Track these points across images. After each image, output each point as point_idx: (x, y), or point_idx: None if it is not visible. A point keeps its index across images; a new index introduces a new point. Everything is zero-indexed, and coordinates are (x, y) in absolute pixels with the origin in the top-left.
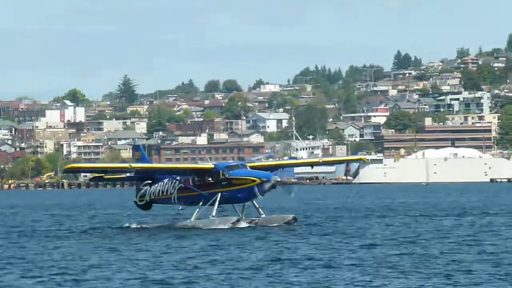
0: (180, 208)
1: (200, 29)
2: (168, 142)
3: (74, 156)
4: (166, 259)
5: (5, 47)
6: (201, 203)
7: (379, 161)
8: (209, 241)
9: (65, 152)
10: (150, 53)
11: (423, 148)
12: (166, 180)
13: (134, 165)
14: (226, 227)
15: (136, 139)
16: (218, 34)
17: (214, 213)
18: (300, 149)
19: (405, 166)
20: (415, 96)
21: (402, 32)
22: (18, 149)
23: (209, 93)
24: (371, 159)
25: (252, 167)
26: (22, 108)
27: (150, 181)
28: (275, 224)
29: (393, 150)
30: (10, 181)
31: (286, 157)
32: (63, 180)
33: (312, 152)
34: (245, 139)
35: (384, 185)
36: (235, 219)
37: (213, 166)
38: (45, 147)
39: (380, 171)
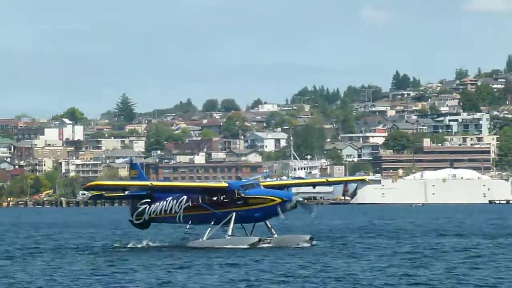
0: (187, 227)
1: (199, 49)
2: (166, 161)
3: (72, 174)
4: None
5: (4, 66)
6: (212, 222)
7: (377, 181)
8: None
9: (63, 170)
10: (149, 72)
11: (422, 169)
12: (169, 199)
13: (155, 183)
14: (245, 247)
15: (134, 157)
16: (217, 54)
17: (230, 233)
18: (298, 169)
19: (403, 186)
20: (414, 117)
21: (400, 53)
22: (17, 167)
23: (207, 112)
24: (368, 180)
25: (265, 187)
26: (21, 126)
27: (148, 200)
28: (289, 245)
29: (391, 171)
30: (9, 199)
31: (284, 177)
32: (62, 198)
33: (310, 172)
34: (243, 158)
35: (383, 205)
36: (256, 239)
37: (227, 185)
38: (44, 165)
39: (378, 192)
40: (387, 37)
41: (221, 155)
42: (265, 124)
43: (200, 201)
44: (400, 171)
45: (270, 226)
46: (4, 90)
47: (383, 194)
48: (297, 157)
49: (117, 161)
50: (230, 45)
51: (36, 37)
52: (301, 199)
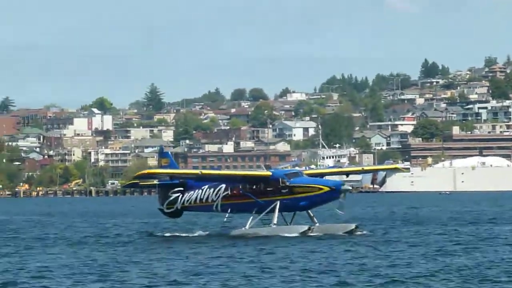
0: (226, 216)
1: (228, 39)
2: (194, 150)
3: (101, 163)
4: None
5: (34, 56)
6: (254, 211)
7: (406, 169)
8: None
9: (92, 160)
10: (177, 61)
11: (451, 157)
12: (205, 188)
13: (204, 171)
14: (295, 235)
15: (164, 146)
16: (245, 44)
17: (275, 221)
18: (327, 158)
19: (432, 175)
20: (443, 105)
21: (429, 41)
22: (46, 156)
23: (236, 102)
24: (402, 168)
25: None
26: (50, 116)
27: (181, 188)
28: (334, 233)
29: (420, 159)
30: (38, 189)
31: (313, 166)
32: (91, 188)
33: (339, 161)
34: (271, 147)
35: (412, 194)
36: (306, 227)
37: (270, 173)
38: (73, 154)
39: (407, 180)
40: (416, 25)
41: (250, 144)
42: (293, 113)
43: (241, 189)
44: (429, 159)
45: (312, 215)
46: (34, 81)
47: (412, 182)
48: (325, 146)
49: (146, 150)
50: (259, 34)
51: (64, 30)
52: (350, 188)
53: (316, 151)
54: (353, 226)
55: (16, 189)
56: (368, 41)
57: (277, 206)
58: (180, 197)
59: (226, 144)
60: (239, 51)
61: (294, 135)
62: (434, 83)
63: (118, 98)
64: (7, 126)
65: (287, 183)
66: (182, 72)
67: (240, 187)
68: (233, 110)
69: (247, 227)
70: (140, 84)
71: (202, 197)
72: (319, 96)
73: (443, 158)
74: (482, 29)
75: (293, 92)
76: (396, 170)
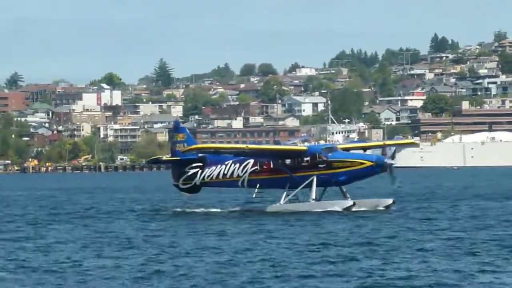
0: (255, 191)
1: (236, 14)
2: (204, 125)
3: (110, 139)
4: None
5: (43, 32)
6: (287, 186)
7: (416, 145)
8: None
9: (101, 135)
10: (186, 37)
11: (460, 132)
12: (229, 163)
13: (250, 146)
14: (338, 209)
15: (173, 121)
16: (254, 18)
17: (313, 196)
18: (336, 133)
19: (441, 150)
20: (452, 80)
21: (439, 16)
22: (55, 132)
23: (245, 77)
24: (418, 142)
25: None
26: (59, 92)
27: (200, 164)
28: (369, 209)
29: (429, 134)
30: (47, 164)
31: (322, 141)
32: (100, 163)
33: (348, 136)
34: (280, 122)
35: (421, 169)
36: (351, 203)
37: (306, 148)
38: (82, 130)
39: (417, 155)
40: (426, 0)
41: (259, 119)
42: (302, 88)
43: (272, 165)
44: (439, 134)
45: (345, 191)
46: (42, 56)
47: (421, 157)
48: (334, 121)
49: (155, 126)
50: (268, 9)
51: (74, 4)
52: (393, 162)
53: (325, 126)
54: (390, 201)
55: (25, 165)
56: (378, 16)
57: (314, 181)
58: (199, 172)
59: (235, 119)
60: (248, 26)
61: (303, 110)
62: (444, 58)
63: (127, 74)
64: (16, 102)
65: (325, 158)
66: (191, 48)
67: (271, 162)
68: (242, 86)
69: (281, 202)
70: (149, 59)
71: (226, 172)
72: (328, 71)
73: (452, 133)
74: (491, 3)
75: (303, 67)
76: (413, 145)
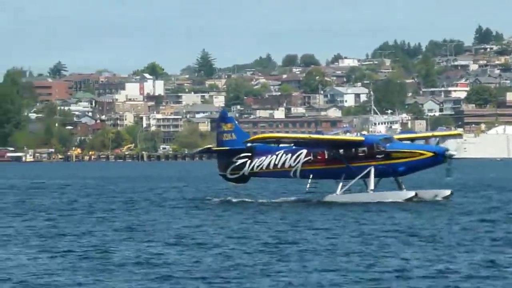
0: (309, 182)
1: (280, 6)
2: (245, 115)
3: (153, 128)
4: None
5: (86, 21)
6: (343, 177)
7: (458, 136)
8: None
9: (144, 125)
10: (229, 27)
11: (504, 123)
12: (281, 153)
13: (313, 136)
14: (400, 201)
15: (220, 111)
16: (297, 10)
17: (372, 187)
18: (379, 124)
19: (485, 141)
20: (496, 71)
21: (483, 7)
22: (98, 121)
23: (287, 68)
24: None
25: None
26: (102, 81)
27: (248, 154)
28: (430, 199)
29: (473, 125)
30: (90, 153)
31: (364, 132)
32: (143, 152)
33: (391, 127)
34: (322, 113)
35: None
36: (412, 193)
37: (363, 138)
38: (125, 119)
39: (460, 147)
40: None
41: (301, 110)
42: (345, 79)
43: (326, 155)
44: (482, 126)
45: (400, 181)
46: (86, 46)
47: (465, 148)
48: (377, 112)
49: (197, 115)
50: (312, 0)
51: None
52: (454, 153)
53: (368, 117)
54: (448, 192)
55: (68, 153)
56: (422, 7)
57: (372, 172)
58: (248, 162)
59: (277, 110)
60: (291, 17)
61: (346, 101)
62: (488, 49)
63: (170, 64)
64: (59, 91)
65: (384, 149)
66: (234, 38)
67: (326, 152)
68: (284, 76)
69: (338, 192)
70: (192, 49)
71: (276, 162)
72: (371, 62)
73: (496, 125)
74: None
75: (345, 58)
76: (459, 136)
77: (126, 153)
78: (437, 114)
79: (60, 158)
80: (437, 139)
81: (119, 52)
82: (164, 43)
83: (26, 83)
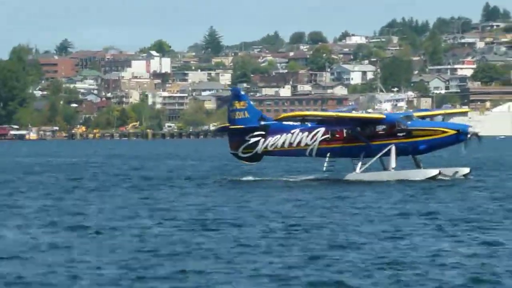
0: (326, 161)
1: None
2: (252, 93)
3: (158, 106)
4: None
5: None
6: (362, 155)
7: (464, 114)
8: None
9: (150, 103)
10: (237, 4)
11: (510, 101)
12: (296, 131)
13: (341, 114)
14: (422, 179)
15: (232, 89)
16: None
17: (393, 165)
18: (384, 102)
19: (491, 119)
20: (503, 49)
21: None
22: (103, 99)
23: (294, 45)
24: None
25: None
26: (108, 59)
27: (262, 133)
28: (451, 177)
29: (479, 103)
30: (95, 131)
31: (370, 110)
32: (148, 130)
33: (396, 105)
34: (329, 91)
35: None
36: (436, 172)
37: (384, 116)
38: (131, 97)
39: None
40: None
41: (307, 87)
42: (352, 57)
43: (345, 133)
44: (488, 104)
45: (418, 160)
46: (92, 23)
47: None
48: (383, 90)
49: (203, 93)
50: None
51: None
52: (477, 131)
53: (374, 95)
54: (468, 170)
55: (73, 131)
56: None
57: (393, 150)
58: (261, 141)
59: (284, 87)
60: None
61: (352, 79)
62: (495, 27)
63: (177, 41)
64: (65, 68)
65: (405, 126)
66: (241, 15)
67: (344, 130)
68: (291, 54)
69: (357, 171)
70: (198, 27)
71: (292, 141)
72: (379, 40)
73: (501, 103)
74: None
75: (353, 35)
76: (465, 113)
77: (131, 131)
78: (443, 92)
79: (64, 136)
80: (441, 117)
81: (126, 29)
82: (171, 20)
83: (32, 60)
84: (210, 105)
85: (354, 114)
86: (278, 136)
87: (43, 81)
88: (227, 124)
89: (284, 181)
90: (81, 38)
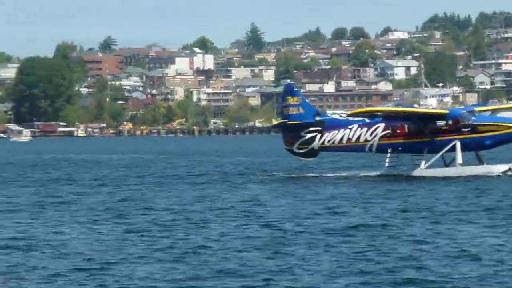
0: (388, 157)
1: None
2: (295, 89)
3: (203, 103)
4: None
5: None
6: (425, 151)
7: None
8: None
9: (194, 99)
10: (278, 0)
11: None
12: (354, 127)
13: (407, 109)
14: (491, 174)
15: (285, 84)
16: None
17: (460, 161)
18: (429, 97)
19: None
20: None
21: None
22: (149, 96)
23: (336, 41)
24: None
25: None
26: (152, 55)
27: (318, 128)
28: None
29: None
30: (142, 127)
31: (416, 105)
32: (194, 127)
33: (442, 100)
34: (373, 86)
35: None
36: (506, 167)
37: (447, 111)
38: (176, 94)
39: None
40: None
41: (351, 83)
42: (395, 52)
43: (407, 129)
44: None
45: (480, 155)
46: (135, 20)
47: None
48: (428, 85)
49: (247, 90)
50: None
51: None
52: None
53: (419, 90)
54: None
55: (120, 128)
56: None
57: (458, 146)
58: (317, 137)
59: (327, 83)
60: None
61: (396, 74)
62: None
63: (219, 38)
64: (109, 65)
65: (469, 122)
66: (283, 11)
67: (406, 127)
68: (333, 49)
69: (422, 167)
70: (240, 23)
71: (350, 136)
72: (421, 35)
73: None
74: None
75: (395, 30)
76: None
77: (177, 127)
78: (488, 86)
79: (112, 133)
80: (489, 113)
81: (169, 27)
82: (213, 17)
83: (76, 57)
84: (254, 101)
85: (419, 109)
86: (336, 131)
87: (88, 79)
88: (285, 120)
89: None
90: (124, 35)
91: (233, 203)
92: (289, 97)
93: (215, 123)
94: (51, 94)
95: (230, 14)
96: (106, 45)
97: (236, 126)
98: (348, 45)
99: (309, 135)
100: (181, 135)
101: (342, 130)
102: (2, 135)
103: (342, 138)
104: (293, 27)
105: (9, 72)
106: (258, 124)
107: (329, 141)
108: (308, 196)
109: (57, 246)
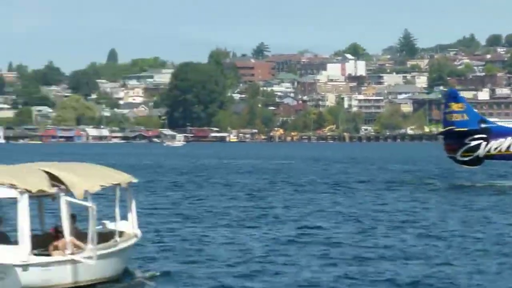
0: None
1: None
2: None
3: (354, 109)
4: None
5: (290, 3)
6: None
7: None
8: None
9: (346, 106)
10: (433, 5)
11: None
12: None
13: None
14: None
15: (448, 90)
16: None
17: None
18: None
19: None
20: None
21: None
22: (300, 102)
23: (491, 47)
24: None
25: None
26: (303, 62)
27: (483, 136)
28: None
29: None
30: (293, 133)
31: None
32: (344, 133)
33: None
34: None
35: None
36: None
37: None
38: (327, 100)
39: None
40: None
41: (506, 91)
42: None
43: None
44: None
45: None
46: (288, 26)
47: None
48: None
49: (399, 96)
50: None
51: None
52: None
53: None
54: None
55: (271, 134)
56: None
57: None
58: (483, 144)
59: (481, 91)
60: None
61: None
62: None
63: (371, 44)
64: (262, 71)
65: None
66: (436, 18)
67: None
68: (488, 56)
69: None
70: (393, 29)
71: None
72: None
73: None
74: None
75: None
76: None
77: (328, 134)
78: None
79: (263, 139)
80: None
81: (321, 33)
82: (365, 23)
83: (229, 63)
84: (406, 108)
85: None
86: (503, 139)
87: (240, 84)
88: (451, 127)
89: None
90: (276, 41)
91: None
92: (453, 103)
93: (366, 129)
94: (204, 100)
95: (383, 21)
96: (259, 51)
97: (387, 133)
98: (503, 52)
99: (474, 143)
100: (332, 141)
101: (510, 138)
102: (156, 139)
103: (509, 146)
104: (447, 34)
105: (164, 77)
106: (409, 131)
107: (495, 149)
108: None
109: None
